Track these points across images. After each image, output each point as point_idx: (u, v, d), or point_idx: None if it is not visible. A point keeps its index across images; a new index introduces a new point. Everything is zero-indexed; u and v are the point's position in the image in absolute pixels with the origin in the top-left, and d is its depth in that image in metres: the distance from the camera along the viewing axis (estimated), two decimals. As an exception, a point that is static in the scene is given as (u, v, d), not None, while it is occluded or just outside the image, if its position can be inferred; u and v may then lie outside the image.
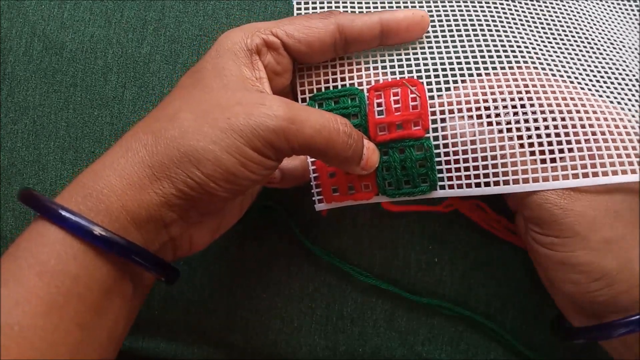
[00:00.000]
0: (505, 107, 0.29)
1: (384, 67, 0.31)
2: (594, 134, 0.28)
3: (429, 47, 0.31)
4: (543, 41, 0.32)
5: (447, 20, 0.32)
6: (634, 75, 0.32)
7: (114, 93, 0.38)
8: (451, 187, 0.30)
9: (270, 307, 0.37)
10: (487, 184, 0.29)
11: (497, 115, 0.29)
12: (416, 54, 0.31)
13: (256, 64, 0.28)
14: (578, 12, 0.35)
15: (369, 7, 0.33)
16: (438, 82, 0.30)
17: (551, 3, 0.34)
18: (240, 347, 0.38)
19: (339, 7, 0.33)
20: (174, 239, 0.27)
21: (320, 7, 0.33)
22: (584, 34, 0.33)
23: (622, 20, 0.36)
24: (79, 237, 0.24)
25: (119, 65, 0.38)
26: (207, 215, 0.28)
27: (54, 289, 0.23)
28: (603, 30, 0.34)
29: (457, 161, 0.29)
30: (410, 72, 0.31)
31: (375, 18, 0.29)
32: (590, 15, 0.35)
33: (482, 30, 0.31)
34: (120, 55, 0.38)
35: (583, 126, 0.28)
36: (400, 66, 0.31)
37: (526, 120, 0.28)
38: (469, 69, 0.30)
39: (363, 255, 0.36)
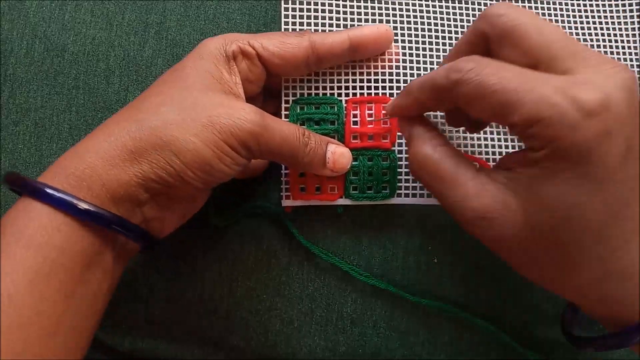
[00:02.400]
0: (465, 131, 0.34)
1: (361, 82, 0.34)
2: None
3: (403, 68, 0.35)
4: None
5: (427, 42, 0.36)
6: None
7: (116, 96, 0.38)
8: (407, 195, 0.34)
9: (270, 307, 0.37)
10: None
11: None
12: (391, 74, 0.34)
13: (233, 69, 0.31)
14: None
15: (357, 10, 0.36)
16: None
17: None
18: (240, 348, 0.38)
19: (324, 7, 0.35)
20: (147, 221, 0.30)
21: (307, 9, 0.35)
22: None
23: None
24: (63, 211, 0.26)
25: (121, 68, 0.38)
26: (179, 201, 0.30)
27: (40, 259, 0.25)
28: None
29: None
30: (384, 90, 0.34)
31: (344, 35, 0.32)
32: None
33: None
34: (122, 58, 0.38)
35: None
36: (376, 83, 0.35)
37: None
38: None
39: (362, 256, 0.36)
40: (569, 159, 0.23)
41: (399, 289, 0.36)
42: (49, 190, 0.26)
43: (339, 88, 0.34)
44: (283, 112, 0.34)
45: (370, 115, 0.34)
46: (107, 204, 0.27)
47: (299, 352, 0.37)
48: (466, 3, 0.37)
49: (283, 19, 0.35)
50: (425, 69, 0.35)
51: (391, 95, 0.34)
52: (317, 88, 0.34)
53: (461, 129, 0.35)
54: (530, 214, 0.24)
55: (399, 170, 0.34)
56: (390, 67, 0.35)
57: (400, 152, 0.34)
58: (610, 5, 0.37)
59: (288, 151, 0.30)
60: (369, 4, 0.36)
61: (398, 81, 0.34)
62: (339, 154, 0.33)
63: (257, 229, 0.37)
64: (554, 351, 0.36)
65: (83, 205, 0.26)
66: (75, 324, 0.27)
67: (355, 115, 0.34)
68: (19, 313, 0.24)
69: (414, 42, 0.36)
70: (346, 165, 0.33)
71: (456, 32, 0.36)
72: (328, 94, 0.34)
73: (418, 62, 0.35)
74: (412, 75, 0.35)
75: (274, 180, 0.37)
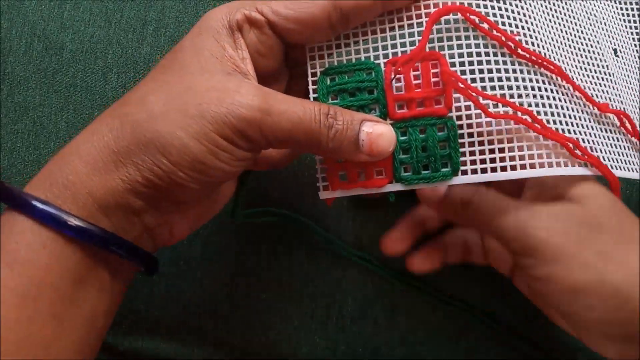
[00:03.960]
0: (525, 87, 0.27)
1: (402, 37, 0.28)
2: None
3: (454, 14, 0.27)
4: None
5: None
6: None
7: (114, 93, 0.38)
8: (474, 172, 0.27)
9: (270, 307, 0.37)
10: (512, 168, 0.26)
11: (520, 96, 0.27)
12: (439, 22, 0.27)
13: (239, 42, 0.26)
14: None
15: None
16: (461, 55, 0.27)
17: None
18: (240, 347, 0.38)
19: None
20: (151, 229, 0.26)
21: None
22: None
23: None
24: (48, 226, 0.23)
25: (119, 65, 0.38)
26: (183, 205, 0.27)
27: (25, 279, 0.23)
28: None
29: (481, 143, 0.26)
30: (431, 44, 0.27)
31: None
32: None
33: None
34: (121, 55, 0.38)
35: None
36: (420, 37, 0.27)
37: (544, 105, 0.27)
38: (492, 45, 0.27)
39: (363, 252, 0.36)
40: None
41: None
42: (33, 203, 0.23)
43: (375, 50, 0.28)
44: (311, 87, 0.28)
45: (417, 77, 0.27)
46: (97, 214, 0.24)
47: (299, 352, 0.37)
48: None
49: None
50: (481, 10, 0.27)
51: (440, 48, 0.27)
52: (348, 53, 0.28)
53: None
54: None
55: (461, 141, 0.26)
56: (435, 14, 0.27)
57: (459, 117, 0.27)
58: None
59: (304, 137, 0.25)
60: None
61: (448, 30, 0.27)
62: (376, 135, 0.26)
63: (257, 228, 0.37)
64: (554, 351, 0.36)
65: (73, 221, 0.23)
66: (70, 346, 0.24)
67: (398, 80, 0.27)
68: (5, 338, 0.22)
69: None
70: (387, 148, 0.26)
71: None
72: (362, 58, 0.28)
73: (470, 4, 0.27)
74: (463, 22, 0.27)
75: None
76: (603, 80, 0.31)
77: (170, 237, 0.28)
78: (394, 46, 0.28)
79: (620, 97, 0.31)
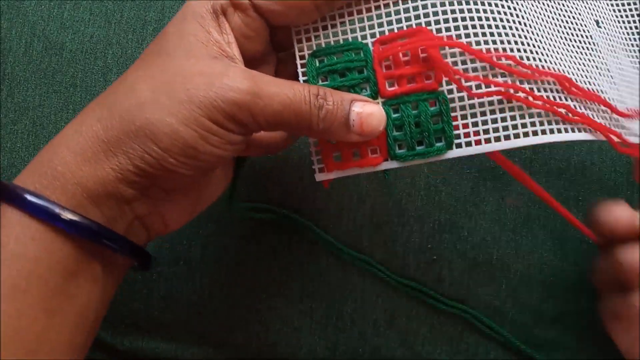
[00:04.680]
0: (516, 42, 0.27)
1: (388, 15, 0.28)
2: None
3: None
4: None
5: None
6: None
7: (113, 93, 0.38)
8: (469, 144, 0.27)
9: (270, 307, 0.37)
10: (515, 136, 0.26)
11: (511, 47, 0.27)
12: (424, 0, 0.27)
13: (224, 27, 0.26)
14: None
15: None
16: (448, 29, 0.27)
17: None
18: (240, 347, 0.38)
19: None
20: (142, 218, 0.26)
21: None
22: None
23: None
24: (37, 219, 0.23)
25: (119, 65, 0.38)
26: (175, 193, 0.27)
27: (14, 272, 0.23)
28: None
29: (474, 115, 0.27)
30: (418, 20, 0.27)
31: None
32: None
33: None
34: (120, 55, 0.38)
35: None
36: (407, 15, 0.28)
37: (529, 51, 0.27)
38: (482, 18, 0.27)
39: (362, 254, 0.36)
40: None
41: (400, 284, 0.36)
42: (24, 195, 0.23)
43: (362, 29, 0.28)
44: (300, 70, 0.28)
45: (405, 54, 0.27)
46: (86, 205, 0.24)
47: (299, 352, 0.37)
48: None
49: None
50: None
51: (427, 24, 0.27)
52: (335, 34, 0.28)
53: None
54: None
55: (453, 114, 0.27)
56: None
57: (450, 91, 0.27)
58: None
59: (295, 119, 0.25)
60: None
61: (434, 5, 0.27)
62: (366, 114, 0.26)
63: (257, 228, 0.37)
64: (554, 351, 0.36)
65: (66, 215, 0.23)
66: (61, 341, 0.24)
67: (387, 58, 0.27)
68: None
69: None
70: (377, 127, 0.26)
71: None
72: (350, 39, 0.28)
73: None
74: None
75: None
76: (589, 49, 0.31)
77: (164, 227, 0.28)
78: (380, 25, 0.28)
79: (607, 65, 0.31)
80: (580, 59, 0.30)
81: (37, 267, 0.23)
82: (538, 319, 0.36)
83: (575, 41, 0.31)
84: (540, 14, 0.30)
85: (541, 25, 0.29)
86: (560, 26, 0.31)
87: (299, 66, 0.28)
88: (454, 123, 0.27)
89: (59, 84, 0.38)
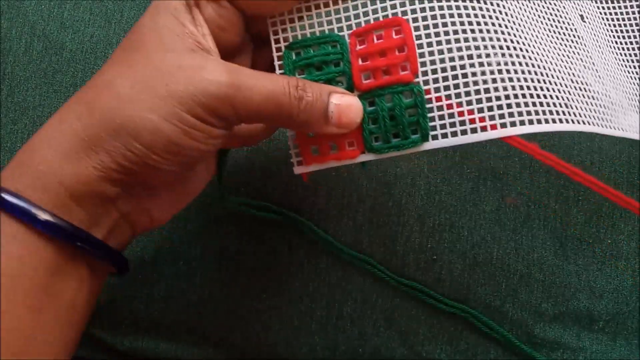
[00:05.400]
0: (493, 47, 0.26)
1: (364, 7, 0.28)
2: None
3: None
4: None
5: None
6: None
7: (113, 93, 0.38)
8: (444, 136, 0.26)
9: (270, 307, 0.37)
10: (484, 129, 0.26)
11: (487, 55, 0.26)
12: None
13: (198, 19, 0.25)
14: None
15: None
16: (425, 19, 0.27)
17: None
18: (240, 347, 0.38)
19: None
20: (127, 215, 0.26)
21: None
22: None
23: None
24: (17, 218, 0.23)
25: (119, 65, 0.38)
26: (159, 189, 0.27)
27: None
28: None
29: (449, 106, 0.26)
30: (394, 10, 0.27)
31: None
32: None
33: None
34: (120, 55, 0.38)
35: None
36: (383, 5, 0.27)
37: (513, 63, 0.27)
38: (456, 7, 0.27)
39: (362, 254, 0.36)
40: None
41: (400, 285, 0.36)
42: (2, 195, 0.23)
43: (339, 21, 0.28)
44: (277, 63, 0.28)
45: (381, 45, 0.27)
46: (70, 204, 0.24)
47: (299, 352, 0.37)
48: None
49: None
50: None
51: (404, 13, 0.27)
52: (312, 26, 0.28)
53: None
54: None
55: (429, 106, 0.26)
56: None
57: (426, 82, 0.26)
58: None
59: (275, 111, 0.25)
60: None
61: None
62: (345, 106, 0.26)
63: (257, 228, 0.37)
64: (554, 351, 0.36)
65: (42, 216, 0.23)
66: (48, 339, 0.24)
67: (362, 50, 0.27)
68: None
69: None
70: (355, 119, 0.26)
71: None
72: (327, 31, 0.28)
73: None
74: None
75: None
76: (574, 42, 0.31)
77: (150, 222, 0.28)
78: (357, 16, 0.28)
79: (592, 59, 0.32)
80: (565, 51, 0.30)
81: (21, 265, 0.23)
82: (538, 319, 0.36)
83: (559, 33, 0.31)
84: (523, 6, 0.29)
85: (524, 17, 0.29)
86: (545, 18, 0.31)
87: (275, 59, 0.28)
88: (430, 115, 0.27)
89: (59, 83, 0.38)
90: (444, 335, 0.36)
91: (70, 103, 0.25)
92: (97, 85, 0.25)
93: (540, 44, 0.29)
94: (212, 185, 0.37)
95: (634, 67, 0.34)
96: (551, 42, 0.30)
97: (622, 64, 0.34)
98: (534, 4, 0.30)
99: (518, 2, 0.29)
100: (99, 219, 0.25)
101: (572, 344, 0.36)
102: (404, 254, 0.36)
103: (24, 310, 0.23)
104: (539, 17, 0.30)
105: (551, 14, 0.31)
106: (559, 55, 0.29)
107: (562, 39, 0.31)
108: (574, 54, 0.31)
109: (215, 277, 0.37)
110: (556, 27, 0.31)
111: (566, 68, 0.29)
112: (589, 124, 0.28)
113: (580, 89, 0.29)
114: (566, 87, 0.28)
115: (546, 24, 0.31)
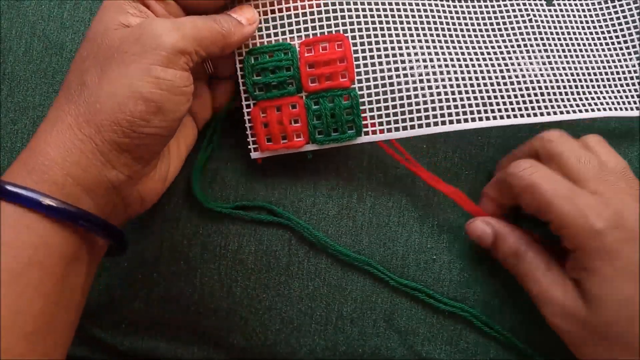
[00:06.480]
0: (417, 60, 0.34)
1: (312, 22, 0.33)
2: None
3: (355, 5, 0.34)
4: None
5: None
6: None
7: (114, 93, 0.38)
8: (374, 132, 0.33)
9: (270, 307, 0.37)
10: (411, 127, 0.33)
11: (412, 67, 0.33)
12: (342, 9, 0.33)
13: (146, 13, 0.29)
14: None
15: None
16: (362, 37, 0.33)
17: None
18: (240, 347, 0.38)
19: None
20: (125, 198, 0.29)
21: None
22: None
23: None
24: (29, 209, 0.25)
25: (119, 65, 0.38)
26: (151, 161, 0.29)
27: (11, 258, 0.24)
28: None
29: (379, 108, 0.33)
30: (337, 27, 0.33)
31: None
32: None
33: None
34: (121, 55, 0.38)
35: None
36: (328, 23, 0.33)
37: (434, 73, 0.34)
38: (387, 28, 0.34)
39: (362, 254, 0.36)
40: (599, 258, 0.29)
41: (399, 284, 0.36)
42: (11, 188, 0.25)
43: (291, 32, 0.33)
44: (237, 65, 0.34)
45: (325, 55, 0.33)
46: (78, 193, 0.26)
47: (299, 352, 0.37)
48: None
49: None
50: (377, 7, 0.34)
51: (344, 31, 0.33)
52: (268, 36, 0.33)
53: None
54: (590, 313, 0.29)
55: (362, 107, 0.33)
56: (311, 7, 0.33)
57: (360, 88, 0.33)
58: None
59: (209, 33, 0.29)
60: None
61: (350, 16, 0.33)
62: (239, 10, 0.32)
63: (257, 228, 0.37)
64: (554, 351, 0.36)
65: (47, 201, 0.25)
66: (57, 322, 0.26)
67: (310, 57, 0.33)
68: None
69: None
70: (252, 12, 0.32)
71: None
72: (281, 40, 0.33)
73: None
74: (364, 11, 0.33)
75: (279, 175, 0.37)
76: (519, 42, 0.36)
77: (141, 205, 0.31)
78: (306, 29, 0.33)
79: (554, 52, 0.36)
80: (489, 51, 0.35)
81: (34, 253, 0.25)
82: (537, 318, 0.37)
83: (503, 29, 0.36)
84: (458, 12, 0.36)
85: (457, 21, 0.35)
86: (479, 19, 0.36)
87: (237, 62, 0.34)
88: (363, 115, 0.33)
89: (59, 83, 0.38)
90: (443, 335, 0.37)
91: (57, 106, 0.28)
92: (72, 84, 0.28)
93: (463, 52, 0.35)
94: (212, 187, 0.37)
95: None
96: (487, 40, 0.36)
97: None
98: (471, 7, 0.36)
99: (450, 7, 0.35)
100: (103, 205, 0.28)
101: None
102: (404, 254, 0.37)
103: (36, 293, 0.25)
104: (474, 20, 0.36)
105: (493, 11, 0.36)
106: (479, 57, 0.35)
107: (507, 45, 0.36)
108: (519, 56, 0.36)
109: (215, 277, 0.37)
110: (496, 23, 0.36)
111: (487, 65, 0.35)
112: (508, 117, 0.34)
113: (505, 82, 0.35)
114: (486, 85, 0.34)
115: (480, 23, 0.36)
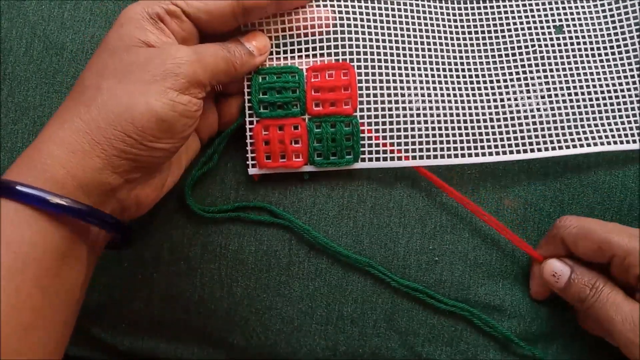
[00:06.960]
0: (416, 94, 0.35)
1: (321, 49, 0.35)
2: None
3: (362, 35, 0.35)
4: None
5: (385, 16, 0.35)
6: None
7: (114, 94, 0.38)
8: (370, 160, 0.35)
9: (270, 307, 0.37)
10: (399, 158, 0.35)
11: (410, 101, 0.35)
12: (350, 39, 0.34)
13: (163, 30, 0.30)
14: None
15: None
16: (367, 68, 0.35)
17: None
18: (240, 347, 0.38)
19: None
20: (122, 201, 0.30)
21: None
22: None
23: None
24: (31, 206, 0.26)
25: (120, 66, 0.38)
26: (152, 171, 0.31)
27: (11, 254, 0.25)
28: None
29: (377, 137, 0.35)
30: (344, 56, 0.34)
31: None
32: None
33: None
34: (121, 56, 0.38)
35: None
36: (336, 49, 0.35)
37: (431, 108, 0.35)
38: (391, 61, 0.35)
39: (363, 256, 0.36)
40: None
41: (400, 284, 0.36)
42: (16, 187, 0.25)
43: (300, 57, 0.35)
44: (245, 83, 0.35)
45: (331, 83, 0.34)
46: (77, 193, 0.27)
47: (299, 352, 0.37)
48: None
49: None
50: (383, 39, 0.35)
51: (351, 60, 0.34)
52: (278, 59, 0.35)
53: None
54: None
55: (362, 135, 0.34)
56: (321, 33, 0.34)
57: (362, 117, 0.35)
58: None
59: (224, 65, 0.31)
60: None
61: (357, 46, 0.35)
62: (252, 38, 0.33)
63: (258, 229, 0.37)
64: (553, 350, 0.36)
65: (55, 200, 0.26)
66: (54, 317, 0.27)
67: (316, 83, 0.34)
68: None
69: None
70: (265, 40, 0.34)
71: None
72: (289, 64, 0.35)
73: (376, 32, 0.35)
74: (371, 41, 0.35)
75: (273, 180, 0.37)
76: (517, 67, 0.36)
77: (136, 209, 0.31)
78: (314, 55, 0.35)
79: (555, 84, 0.36)
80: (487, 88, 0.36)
81: (33, 250, 0.25)
82: (537, 318, 0.37)
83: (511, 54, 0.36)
84: (467, 35, 0.37)
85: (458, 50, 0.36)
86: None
87: (245, 80, 0.35)
88: (362, 142, 0.35)
89: (59, 84, 0.38)
90: (444, 336, 0.37)
91: (68, 107, 0.28)
92: (86, 90, 0.28)
93: (460, 86, 0.36)
94: (212, 187, 0.37)
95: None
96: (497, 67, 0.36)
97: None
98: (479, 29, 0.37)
99: (460, 29, 0.36)
100: (100, 207, 0.28)
101: (571, 343, 0.37)
102: (405, 255, 0.37)
103: (34, 290, 0.25)
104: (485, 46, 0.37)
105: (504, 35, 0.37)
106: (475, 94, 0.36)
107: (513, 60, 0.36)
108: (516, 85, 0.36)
109: (215, 277, 0.37)
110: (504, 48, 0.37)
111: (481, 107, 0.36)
112: (500, 153, 0.35)
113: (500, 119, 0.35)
114: (479, 122, 0.35)
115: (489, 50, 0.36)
